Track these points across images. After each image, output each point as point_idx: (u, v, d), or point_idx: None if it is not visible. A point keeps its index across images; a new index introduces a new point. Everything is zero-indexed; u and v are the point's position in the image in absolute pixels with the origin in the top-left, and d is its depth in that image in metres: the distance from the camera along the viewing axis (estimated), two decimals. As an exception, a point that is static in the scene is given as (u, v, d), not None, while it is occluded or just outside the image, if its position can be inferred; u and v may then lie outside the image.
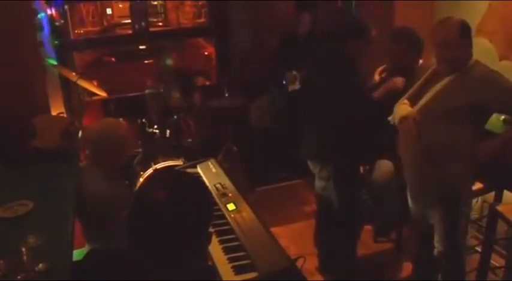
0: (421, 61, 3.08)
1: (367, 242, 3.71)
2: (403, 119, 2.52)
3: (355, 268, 3.19)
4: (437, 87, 2.47)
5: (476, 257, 2.94)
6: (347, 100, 2.79)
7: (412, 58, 3.00)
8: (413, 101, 2.54)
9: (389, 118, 2.60)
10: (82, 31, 5.09)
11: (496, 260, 3.10)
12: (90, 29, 5.25)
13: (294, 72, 4.10)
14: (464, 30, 2.40)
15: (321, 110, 2.96)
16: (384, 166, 3.26)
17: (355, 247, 3.20)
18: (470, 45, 2.42)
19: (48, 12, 4.18)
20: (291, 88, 4.17)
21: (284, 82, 4.20)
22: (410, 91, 2.58)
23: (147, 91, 4.23)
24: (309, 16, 4.17)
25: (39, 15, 4.02)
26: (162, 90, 4.17)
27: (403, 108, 2.54)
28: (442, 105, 2.45)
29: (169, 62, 4.32)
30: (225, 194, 2.44)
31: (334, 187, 2.98)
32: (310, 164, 3.15)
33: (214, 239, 2.08)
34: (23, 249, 1.84)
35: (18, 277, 1.79)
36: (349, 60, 2.87)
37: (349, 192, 3.02)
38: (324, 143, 2.97)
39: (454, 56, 2.42)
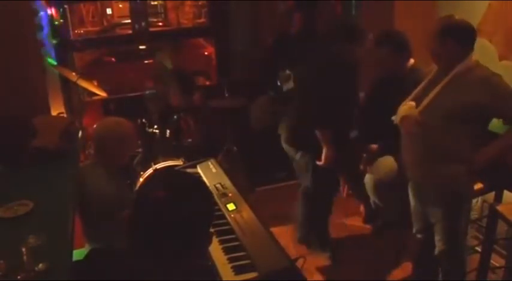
0: (412, 61, 3.09)
1: (367, 242, 3.71)
2: (404, 118, 2.53)
3: (327, 241, 3.55)
4: (438, 88, 2.48)
5: (476, 257, 2.94)
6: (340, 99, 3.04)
7: (398, 60, 3.03)
8: (418, 102, 2.54)
9: (393, 118, 2.61)
10: (82, 31, 5.09)
11: (496, 260, 3.10)
12: (90, 29, 5.26)
13: (288, 72, 4.11)
14: (449, 29, 2.42)
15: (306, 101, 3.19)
16: (386, 165, 3.25)
17: (327, 222, 3.58)
18: (453, 44, 2.41)
19: (49, 12, 4.18)
20: (285, 87, 4.16)
21: (278, 82, 4.20)
22: (415, 92, 2.58)
23: (147, 92, 4.22)
24: (300, 16, 4.17)
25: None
26: (161, 91, 4.17)
27: (405, 108, 2.54)
28: (441, 106, 2.45)
29: (167, 62, 4.31)
30: (225, 194, 2.44)
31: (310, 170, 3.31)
32: (285, 147, 3.46)
33: (214, 239, 2.07)
34: (23, 249, 1.84)
35: (18, 277, 1.79)
36: (347, 63, 3.00)
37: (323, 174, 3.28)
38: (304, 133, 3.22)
39: (434, 52, 2.47)
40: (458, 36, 2.42)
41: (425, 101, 2.49)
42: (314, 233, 3.59)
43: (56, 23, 4.31)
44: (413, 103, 2.54)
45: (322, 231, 3.58)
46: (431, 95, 2.48)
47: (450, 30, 2.43)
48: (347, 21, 3.24)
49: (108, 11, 5.34)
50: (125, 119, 2.80)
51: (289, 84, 4.14)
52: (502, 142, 2.53)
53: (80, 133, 3.74)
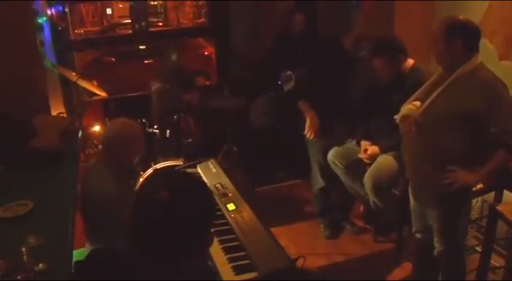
0: (412, 61, 3.09)
1: (367, 242, 3.71)
2: (404, 118, 2.53)
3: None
4: (439, 89, 2.47)
5: (476, 257, 2.94)
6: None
7: (395, 65, 3.05)
8: (421, 103, 2.54)
9: (395, 117, 2.61)
10: (82, 31, 5.09)
11: (496, 260, 3.10)
12: (90, 29, 5.25)
13: (289, 72, 4.11)
14: (449, 28, 2.39)
15: None
16: (386, 165, 3.25)
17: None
18: (458, 44, 2.38)
19: (48, 12, 4.18)
20: (286, 88, 4.16)
21: (279, 82, 4.19)
22: (418, 92, 2.57)
23: (153, 88, 4.22)
24: (302, 16, 4.17)
25: (40, 20, 4.02)
26: (162, 91, 4.17)
27: (407, 108, 2.54)
28: (442, 108, 2.44)
29: (168, 62, 4.32)
30: (225, 194, 2.44)
31: None
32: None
33: (214, 239, 2.07)
34: (23, 249, 1.84)
35: (18, 277, 1.79)
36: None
37: None
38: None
39: (439, 54, 2.44)
40: (466, 36, 2.39)
41: (426, 102, 2.49)
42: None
43: (56, 23, 4.31)
44: (418, 103, 2.53)
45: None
46: (433, 96, 2.47)
47: (457, 30, 2.39)
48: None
49: (108, 11, 5.33)
50: (134, 121, 2.82)
51: (290, 85, 4.14)
52: (493, 164, 2.47)
53: (80, 133, 3.74)
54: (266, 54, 4.49)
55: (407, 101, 2.58)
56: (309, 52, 3.92)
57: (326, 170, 3.63)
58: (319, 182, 3.78)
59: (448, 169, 2.48)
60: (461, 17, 2.48)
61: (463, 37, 2.39)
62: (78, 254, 2.45)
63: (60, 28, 4.34)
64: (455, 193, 2.52)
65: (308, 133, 3.59)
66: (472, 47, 2.42)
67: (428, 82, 2.57)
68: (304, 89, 3.66)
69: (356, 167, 3.42)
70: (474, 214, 3.33)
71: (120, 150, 2.64)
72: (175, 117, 4.06)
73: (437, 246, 2.70)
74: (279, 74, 4.14)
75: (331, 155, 3.49)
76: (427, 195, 2.68)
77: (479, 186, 2.94)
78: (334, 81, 3.44)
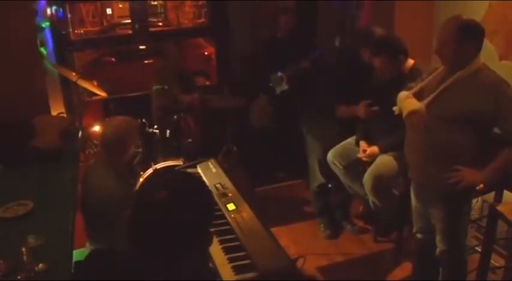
0: (412, 61, 3.09)
1: (367, 242, 3.71)
2: (412, 113, 2.50)
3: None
4: (442, 87, 2.46)
5: (476, 257, 2.94)
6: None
7: (395, 65, 3.05)
8: (418, 99, 2.53)
9: (394, 108, 2.59)
10: (82, 31, 5.11)
11: (496, 260, 3.10)
12: (90, 29, 5.28)
13: (280, 74, 4.13)
14: (463, 29, 2.38)
15: None
16: (386, 165, 3.25)
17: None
18: (470, 45, 2.38)
19: (48, 12, 4.18)
20: (278, 90, 4.19)
21: (271, 85, 4.22)
22: (417, 88, 2.57)
23: (154, 87, 4.22)
24: (289, 18, 4.20)
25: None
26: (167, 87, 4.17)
27: (411, 102, 2.52)
28: (445, 108, 2.44)
29: (167, 61, 4.32)
30: (225, 194, 2.44)
31: None
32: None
33: (214, 239, 2.07)
34: (23, 249, 1.85)
35: (18, 277, 1.79)
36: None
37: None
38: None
39: (448, 54, 2.42)
40: (477, 37, 2.39)
41: (429, 99, 2.47)
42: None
43: (56, 23, 4.31)
44: (416, 101, 2.52)
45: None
46: (435, 94, 2.46)
47: (470, 31, 2.38)
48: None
49: (108, 11, 5.36)
50: (130, 118, 2.82)
51: (283, 87, 4.17)
52: (498, 163, 2.46)
53: (80, 133, 3.74)
54: (258, 57, 4.51)
55: (402, 93, 2.56)
56: (299, 54, 3.96)
57: (325, 168, 3.64)
58: (318, 178, 3.78)
59: (453, 168, 2.48)
60: (467, 18, 2.47)
61: (476, 38, 2.39)
62: (78, 254, 2.46)
63: (60, 29, 4.34)
64: (459, 192, 2.52)
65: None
66: (479, 47, 2.42)
67: (426, 79, 2.56)
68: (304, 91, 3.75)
69: (355, 168, 3.42)
70: (474, 214, 3.33)
71: (116, 145, 2.64)
72: (175, 117, 4.06)
73: (440, 246, 2.69)
74: (269, 76, 4.18)
75: (330, 155, 3.49)
76: (430, 195, 2.67)
77: (480, 186, 2.94)
78: (350, 91, 3.49)
